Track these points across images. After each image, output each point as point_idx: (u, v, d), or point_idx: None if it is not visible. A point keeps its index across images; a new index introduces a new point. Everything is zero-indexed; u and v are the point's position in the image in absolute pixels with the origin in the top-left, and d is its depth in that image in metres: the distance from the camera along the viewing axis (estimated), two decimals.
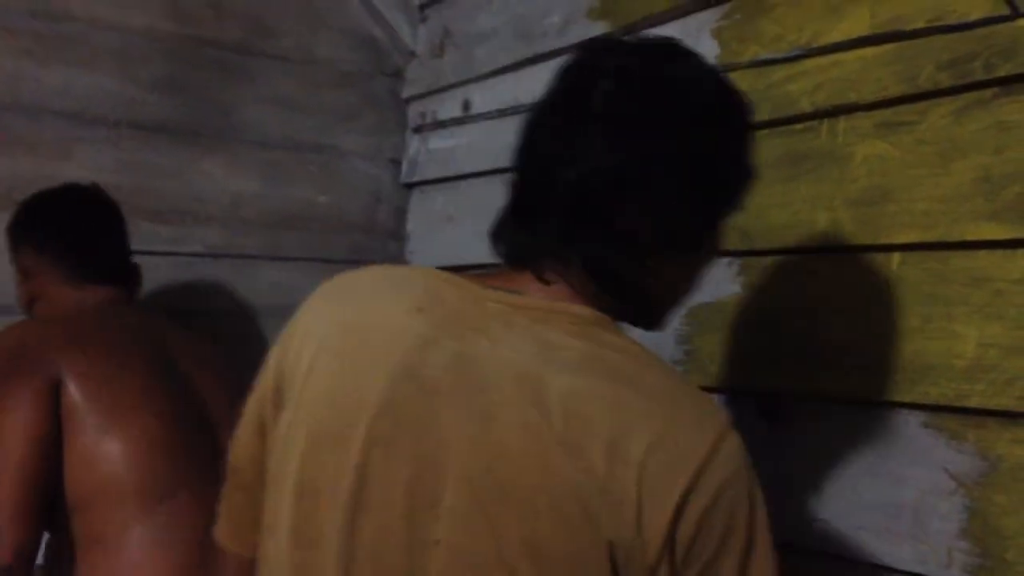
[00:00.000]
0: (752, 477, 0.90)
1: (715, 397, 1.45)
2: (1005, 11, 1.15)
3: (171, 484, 1.50)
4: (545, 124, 1.00)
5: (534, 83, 1.91)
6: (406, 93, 2.29)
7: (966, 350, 1.18)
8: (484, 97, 2.06)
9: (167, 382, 1.59)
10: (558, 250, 0.96)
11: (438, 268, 1.02)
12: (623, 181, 0.93)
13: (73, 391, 1.47)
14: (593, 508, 0.84)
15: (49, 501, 1.44)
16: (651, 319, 1.06)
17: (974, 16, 1.18)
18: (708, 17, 1.56)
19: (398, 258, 2.28)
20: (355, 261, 2.22)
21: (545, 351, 0.90)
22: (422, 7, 2.28)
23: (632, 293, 0.97)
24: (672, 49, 1.01)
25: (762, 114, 1.41)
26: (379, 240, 2.27)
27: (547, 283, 0.96)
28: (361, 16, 2.24)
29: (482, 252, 2.01)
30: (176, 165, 2.01)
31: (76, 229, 1.69)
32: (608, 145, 0.93)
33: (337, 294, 1.05)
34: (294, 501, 0.96)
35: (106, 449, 1.47)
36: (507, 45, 1.98)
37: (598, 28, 1.75)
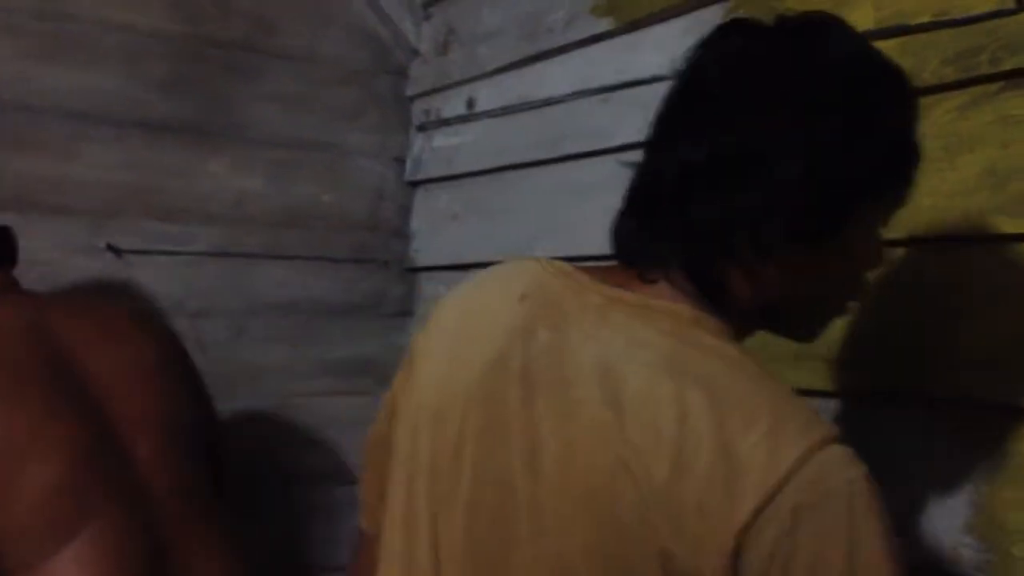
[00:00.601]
0: (863, 504, 0.78)
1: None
2: (1011, 5, 1.15)
3: (86, 513, 1.29)
4: (662, 110, 0.95)
5: (539, 80, 1.93)
6: (410, 91, 2.29)
7: (968, 343, 1.18)
8: (489, 95, 2.06)
9: (70, 404, 1.35)
10: (660, 247, 0.91)
11: (556, 259, 1.00)
12: (732, 166, 0.87)
13: None
14: (653, 516, 0.79)
15: None
16: (785, 325, 0.98)
17: (979, 10, 1.17)
18: (715, 13, 1.56)
19: (402, 257, 2.28)
20: (359, 260, 2.22)
21: (631, 349, 0.86)
22: (426, 5, 2.27)
23: (735, 295, 0.90)
24: (805, 24, 0.93)
25: None
26: (383, 238, 2.27)
27: (651, 281, 0.91)
28: (365, 14, 2.24)
29: (487, 250, 2.03)
30: (181, 164, 2.01)
31: None
32: (720, 129, 0.88)
33: (472, 282, 1.05)
34: (403, 486, 0.97)
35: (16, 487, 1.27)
36: (511, 43, 1.98)
37: (603, 25, 1.75)
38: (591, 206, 1.80)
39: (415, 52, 2.28)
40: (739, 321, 0.91)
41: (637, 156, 0.98)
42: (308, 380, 2.15)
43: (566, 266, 0.97)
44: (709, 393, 0.81)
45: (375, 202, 2.26)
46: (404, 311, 2.30)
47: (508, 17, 2.00)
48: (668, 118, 0.95)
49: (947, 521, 1.19)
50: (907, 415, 1.26)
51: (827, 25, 0.93)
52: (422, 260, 2.26)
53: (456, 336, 0.99)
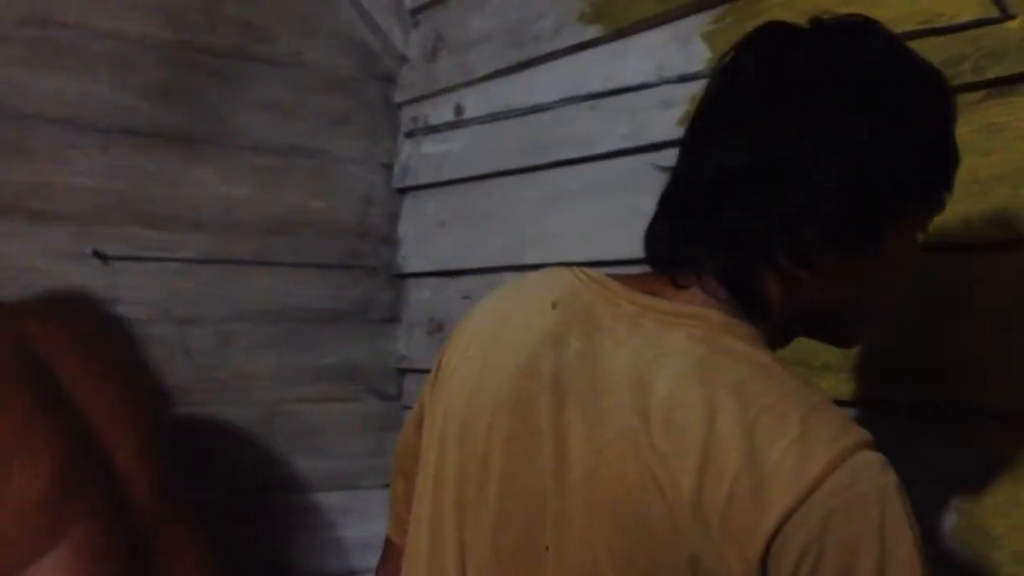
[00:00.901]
0: (894, 511, 0.76)
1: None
2: (994, 13, 1.16)
3: (69, 519, 1.30)
4: (696, 113, 0.94)
5: (527, 87, 1.93)
6: (398, 98, 2.29)
7: (948, 351, 1.19)
8: (477, 102, 2.06)
9: (53, 411, 1.35)
10: (694, 252, 0.90)
11: (581, 266, 0.99)
12: (769, 170, 0.86)
13: None
14: (682, 523, 0.77)
15: None
16: (823, 331, 0.98)
17: (963, 18, 1.18)
18: (699, 21, 1.56)
19: (390, 263, 2.29)
20: (347, 266, 2.22)
21: (661, 356, 0.84)
22: (414, 12, 2.28)
23: (771, 301, 0.89)
24: (841, 26, 0.92)
25: None
26: (371, 245, 2.27)
27: (683, 287, 0.90)
28: (353, 21, 2.24)
29: (474, 257, 2.03)
30: (169, 171, 2.01)
31: None
32: (757, 132, 0.87)
33: (504, 289, 1.05)
34: (430, 495, 0.96)
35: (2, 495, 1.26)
36: (499, 50, 1.99)
37: (590, 32, 1.76)
38: (579, 213, 1.80)
39: (403, 59, 2.29)
40: (774, 327, 0.90)
41: (665, 158, 0.98)
42: (296, 387, 2.15)
43: (598, 274, 0.96)
44: (739, 399, 0.79)
45: (363, 209, 2.26)
46: (392, 317, 2.30)
47: (496, 24, 2.00)
48: (703, 121, 0.94)
49: (932, 527, 1.20)
50: (892, 422, 1.26)
51: (863, 27, 0.92)
52: (410, 266, 2.26)
53: (486, 344, 0.98)
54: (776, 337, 0.92)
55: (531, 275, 1.03)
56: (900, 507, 0.77)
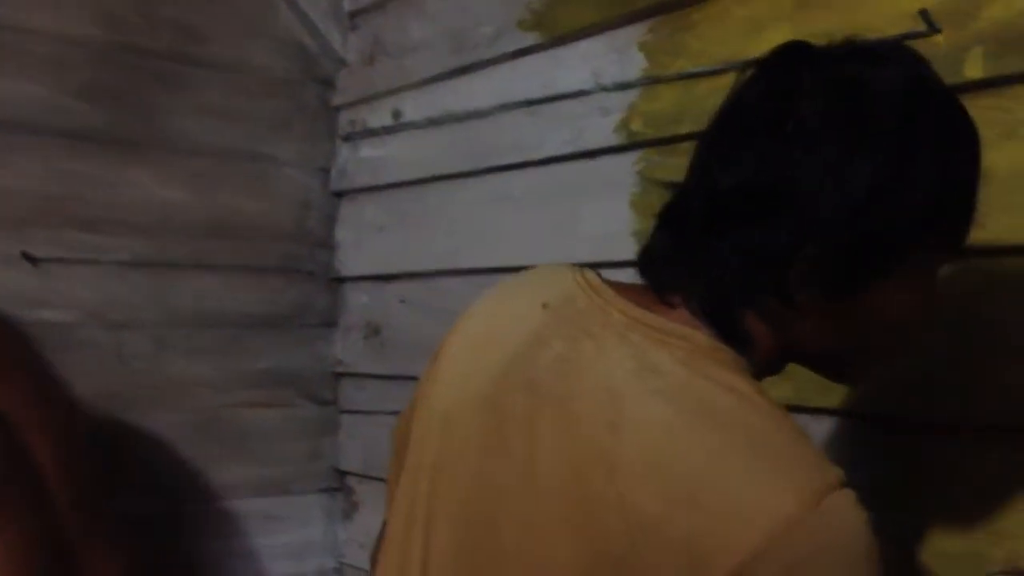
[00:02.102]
0: (860, 557, 0.73)
1: None
2: (923, 27, 1.19)
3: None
4: (705, 131, 0.91)
5: (465, 93, 1.94)
6: (336, 101, 2.28)
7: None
8: (415, 106, 2.07)
9: None
10: (681, 272, 0.88)
11: (576, 264, 0.97)
12: (760, 199, 0.82)
13: None
14: (640, 545, 0.75)
15: None
16: (815, 370, 0.95)
17: (893, 32, 1.21)
18: (636, 31, 1.58)
19: (327, 267, 2.28)
20: (284, 269, 2.21)
21: (643, 372, 0.82)
22: (353, 15, 2.27)
23: (754, 337, 0.86)
24: (862, 51, 0.88)
25: (686, 127, 1.44)
26: (308, 249, 2.26)
27: (671, 305, 0.88)
28: (292, 24, 2.23)
29: (412, 261, 2.03)
30: (105, 173, 1.98)
31: None
32: (754, 157, 0.83)
33: (503, 285, 1.03)
34: (410, 486, 0.96)
35: None
36: (438, 55, 1.99)
37: (529, 39, 1.77)
38: (516, 218, 1.82)
39: (342, 62, 2.28)
40: (761, 359, 0.87)
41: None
42: (232, 392, 2.13)
43: (596, 279, 0.93)
44: (713, 428, 0.77)
45: (300, 212, 2.25)
46: (329, 322, 2.29)
47: (435, 30, 2.01)
48: (708, 140, 0.91)
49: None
50: (841, 430, 1.29)
51: (887, 55, 0.86)
52: (347, 270, 2.26)
53: (477, 340, 0.97)
54: (763, 366, 0.89)
55: (530, 272, 1.02)
56: (868, 551, 0.73)
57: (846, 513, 0.73)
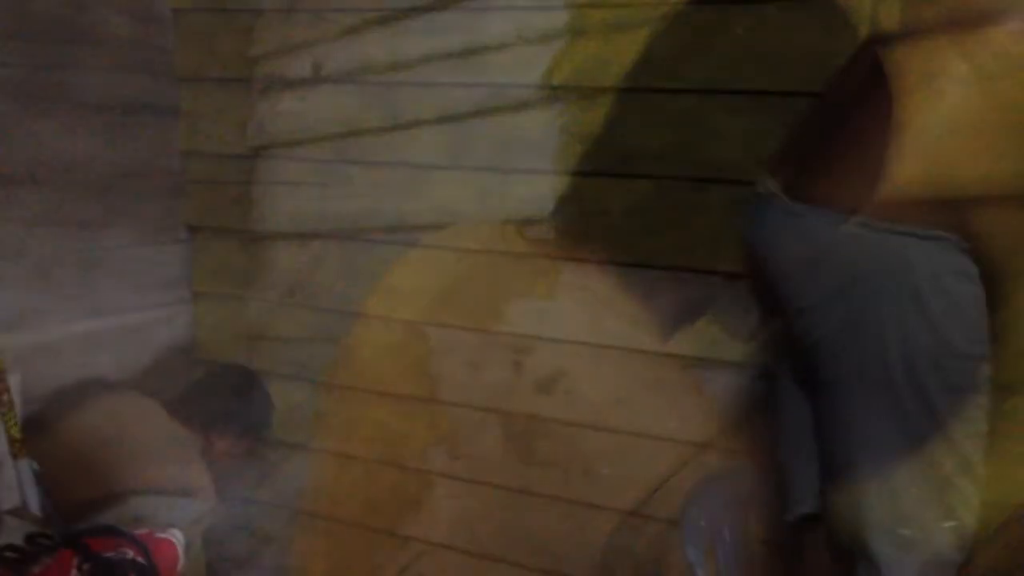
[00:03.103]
0: None
1: None
2: None
3: None
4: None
5: (387, 46, 1.90)
6: (254, 52, 2.23)
7: None
8: (334, 59, 2.03)
9: None
10: None
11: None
12: None
13: None
14: None
15: None
16: None
17: None
18: None
19: (244, 225, 2.23)
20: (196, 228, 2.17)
21: None
22: None
23: None
24: None
25: (609, 80, 1.43)
26: (225, 204, 2.21)
27: None
28: None
29: (329, 218, 2.00)
30: (7, 125, 1.91)
31: None
32: None
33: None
34: None
35: None
36: (358, 6, 1.95)
37: None
38: (437, 173, 1.80)
39: (259, 12, 2.22)
40: None
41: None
42: None
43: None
44: None
45: (215, 167, 2.20)
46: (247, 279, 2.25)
47: None
48: None
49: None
50: None
51: None
52: (263, 227, 2.21)
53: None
54: None
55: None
56: None
57: None
